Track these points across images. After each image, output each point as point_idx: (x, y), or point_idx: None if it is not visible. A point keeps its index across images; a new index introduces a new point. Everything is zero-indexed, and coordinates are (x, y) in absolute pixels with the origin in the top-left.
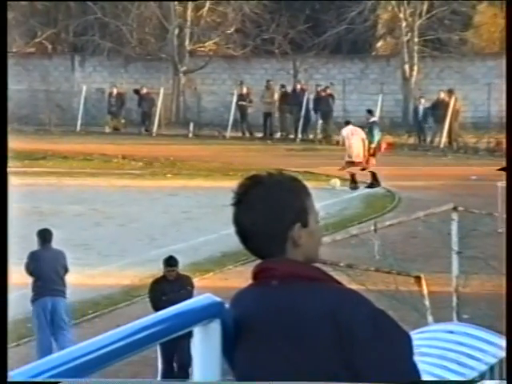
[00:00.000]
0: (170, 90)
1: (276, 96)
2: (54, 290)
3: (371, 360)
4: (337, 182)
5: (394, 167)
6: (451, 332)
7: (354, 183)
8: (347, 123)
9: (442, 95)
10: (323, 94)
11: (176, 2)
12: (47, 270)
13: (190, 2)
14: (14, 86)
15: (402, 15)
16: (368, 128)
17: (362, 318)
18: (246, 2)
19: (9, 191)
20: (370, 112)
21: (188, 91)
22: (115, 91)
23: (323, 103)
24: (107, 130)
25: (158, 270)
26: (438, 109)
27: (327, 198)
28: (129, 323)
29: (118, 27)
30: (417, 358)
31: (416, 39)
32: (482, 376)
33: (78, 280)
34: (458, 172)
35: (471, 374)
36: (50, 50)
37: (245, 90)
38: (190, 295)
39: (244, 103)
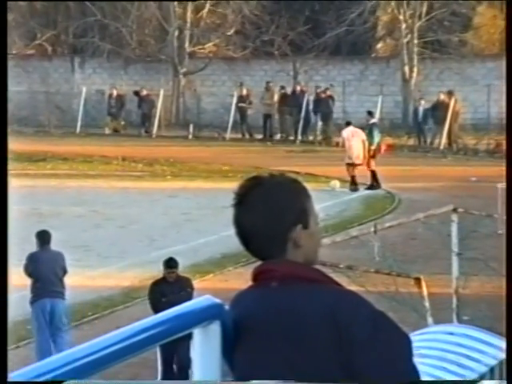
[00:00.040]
0: (169, 91)
1: (276, 97)
2: (52, 291)
3: (371, 361)
4: (336, 184)
5: (394, 168)
6: (451, 333)
7: (353, 185)
8: (348, 124)
9: (442, 97)
10: (323, 95)
11: (176, 4)
12: (46, 272)
13: (189, 4)
14: (13, 87)
15: (401, 17)
16: (368, 129)
17: (362, 319)
18: (246, 4)
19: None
20: (371, 113)
21: (188, 93)
22: (115, 93)
23: (323, 105)
24: (107, 131)
25: (158, 271)
26: (437, 110)
27: (327, 200)
28: (128, 325)
29: (118, 29)
30: (416, 360)
31: (416, 41)
32: (482, 378)
33: (78, 282)
34: (457, 173)
35: (471, 376)
36: (50, 52)
37: (244, 92)
38: (189, 297)
39: (244, 105)
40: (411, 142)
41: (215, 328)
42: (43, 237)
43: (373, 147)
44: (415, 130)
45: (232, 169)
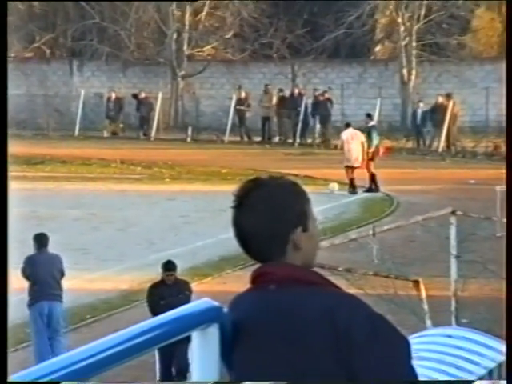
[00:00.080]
0: (168, 94)
1: (274, 100)
2: (50, 294)
3: (369, 364)
4: (335, 186)
5: (393, 171)
6: (450, 336)
7: (352, 187)
8: (347, 126)
9: (440, 99)
10: (321, 98)
11: (174, 7)
12: (44, 275)
13: (188, 7)
14: (12, 90)
15: (400, 19)
16: (366, 132)
17: (360, 322)
18: (245, 7)
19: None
20: (370, 116)
21: (186, 95)
22: (113, 96)
23: (321, 107)
24: (105, 134)
25: (157, 274)
26: (436, 113)
27: (326, 202)
28: (127, 328)
29: (117, 32)
30: (415, 362)
31: (414, 43)
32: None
33: (77, 284)
34: (456, 176)
35: (470, 379)
36: (49, 55)
37: (243, 95)
38: (188, 300)
39: (242, 107)
40: (410, 144)
41: (213, 331)
42: (41, 239)
43: (371, 150)
44: (414, 132)
45: (230, 171)
